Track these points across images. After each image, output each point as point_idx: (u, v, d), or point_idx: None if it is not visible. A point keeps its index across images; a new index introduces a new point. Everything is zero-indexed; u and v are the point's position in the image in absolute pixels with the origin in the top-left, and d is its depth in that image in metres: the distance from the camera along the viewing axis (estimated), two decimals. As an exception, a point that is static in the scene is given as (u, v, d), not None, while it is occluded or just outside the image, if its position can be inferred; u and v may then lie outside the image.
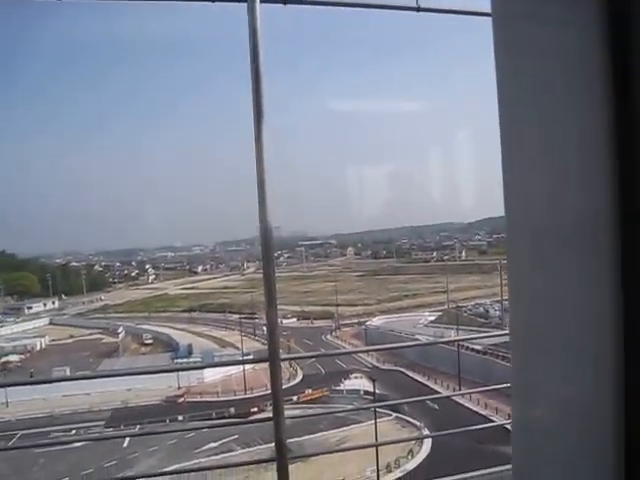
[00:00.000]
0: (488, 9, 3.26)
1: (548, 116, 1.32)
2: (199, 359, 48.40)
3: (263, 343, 63.05)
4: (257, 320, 69.87)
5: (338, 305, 73.69)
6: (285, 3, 3.22)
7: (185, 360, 51.99)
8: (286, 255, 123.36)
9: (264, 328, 65.62)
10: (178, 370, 54.77)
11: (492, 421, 31.91)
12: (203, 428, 39.22)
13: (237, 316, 66.07)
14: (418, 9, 3.19)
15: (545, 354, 1.39)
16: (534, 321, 1.41)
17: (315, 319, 73.70)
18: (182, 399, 44.40)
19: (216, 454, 32.25)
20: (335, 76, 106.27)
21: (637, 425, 1.22)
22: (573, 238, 1.28)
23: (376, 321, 66.85)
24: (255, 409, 38.80)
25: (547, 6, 1.31)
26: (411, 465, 30.85)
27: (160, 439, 33.64)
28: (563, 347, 1.33)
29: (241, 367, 48.15)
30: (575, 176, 1.28)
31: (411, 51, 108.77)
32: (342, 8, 3.55)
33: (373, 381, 35.55)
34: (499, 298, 60.18)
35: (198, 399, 42.67)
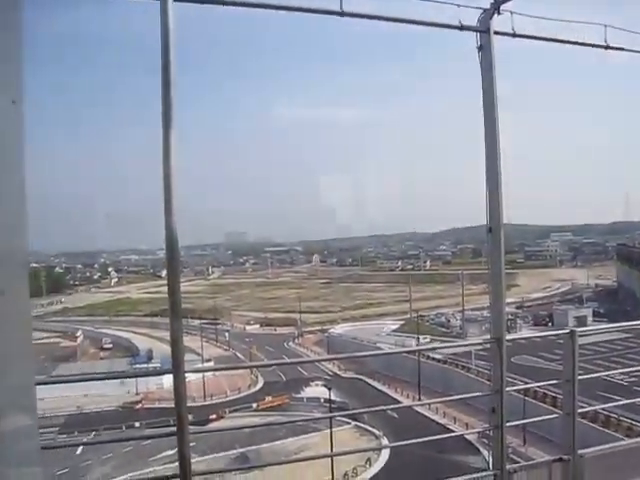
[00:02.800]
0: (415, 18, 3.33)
1: None
2: (158, 364, 47.45)
3: (225, 349, 62.44)
4: (220, 326, 69.13)
5: (302, 312, 73.46)
6: (202, 2, 2.96)
7: (145, 365, 51.04)
8: (252, 261, 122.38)
9: (226, 334, 65.14)
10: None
11: (451, 430, 32.21)
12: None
13: (199, 321, 65.14)
14: (342, 14, 3.13)
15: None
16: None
17: (278, 326, 73.32)
18: (139, 405, 43.52)
19: (172, 462, 31.61)
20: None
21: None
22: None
23: (339, 329, 66.80)
24: (214, 416, 38.27)
25: None
26: (369, 474, 30.82)
27: (114, 446, 32.87)
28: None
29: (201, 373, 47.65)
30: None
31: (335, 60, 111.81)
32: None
33: (329, 389, 35.77)
34: (460, 308, 60.89)
35: (156, 405, 41.83)
